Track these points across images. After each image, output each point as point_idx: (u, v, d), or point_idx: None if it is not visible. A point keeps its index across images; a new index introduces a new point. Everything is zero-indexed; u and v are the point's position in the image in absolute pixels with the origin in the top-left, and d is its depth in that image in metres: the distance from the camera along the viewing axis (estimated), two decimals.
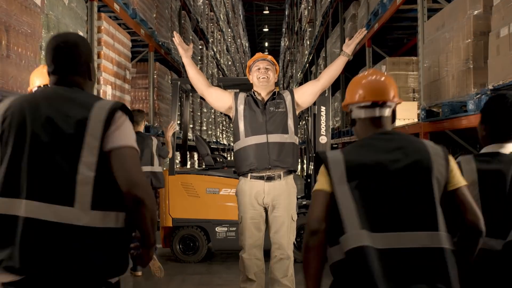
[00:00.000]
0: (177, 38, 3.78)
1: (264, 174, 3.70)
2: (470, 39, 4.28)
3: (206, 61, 13.63)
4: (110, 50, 5.98)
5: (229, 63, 23.30)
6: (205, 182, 5.94)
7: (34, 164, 1.73)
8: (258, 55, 3.95)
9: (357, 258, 1.74)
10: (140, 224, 1.75)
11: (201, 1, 13.70)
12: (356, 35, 3.91)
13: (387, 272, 1.73)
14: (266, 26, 44.87)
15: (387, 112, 2.02)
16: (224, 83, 6.42)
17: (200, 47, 12.95)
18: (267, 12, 40.78)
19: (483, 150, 2.22)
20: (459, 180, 1.90)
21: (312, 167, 6.35)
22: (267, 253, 3.82)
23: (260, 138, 3.70)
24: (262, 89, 3.82)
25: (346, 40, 3.95)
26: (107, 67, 5.82)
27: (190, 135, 10.06)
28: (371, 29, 7.94)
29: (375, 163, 1.84)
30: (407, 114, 6.55)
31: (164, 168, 6.42)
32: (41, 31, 4.04)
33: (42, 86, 2.84)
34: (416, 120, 6.38)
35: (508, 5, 3.71)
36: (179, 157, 8.79)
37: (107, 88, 5.78)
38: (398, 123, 6.51)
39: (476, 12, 4.29)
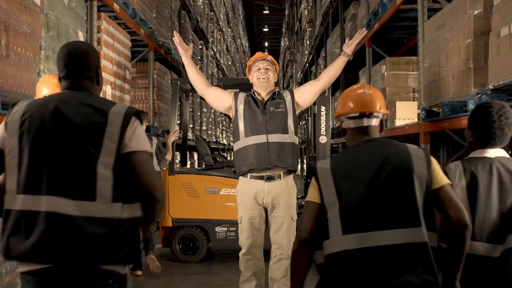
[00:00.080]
0: (177, 38, 3.78)
1: (264, 174, 3.70)
2: (471, 39, 4.28)
3: (206, 61, 13.62)
4: (110, 50, 5.98)
5: (229, 63, 23.29)
6: (205, 182, 5.94)
7: (56, 164, 1.88)
8: (258, 54, 3.94)
9: (333, 263, 1.96)
10: (150, 214, 2.00)
11: (201, 1, 13.69)
12: (356, 35, 3.91)
13: (375, 269, 1.92)
14: (266, 26, 44.87)
15: (374, 122, 2.19)
16: (224, 83, 6.42)
17: (200, 47, 12.94)
18: (267, 12, 40.77)
19: (471, 155, 2.34)
20: (442, 179, 2.03)
21: None
22: (267, 253, 3.81)
23: (260, 138, 3.69)
24: (262, 89, 3.81)
25: (346, 40, 3.95)
26: (107, 66, 5.81)
27: (190, 135, 10.06)
28: (371, 29, 7.93)
29: (356, 168, 2.04)
30: (407, 114, 6.54)
31: (164, 168, 6.42)
32: (41, 31, 4.04)
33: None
34: (416, 120, 6.37)
35: (508, 5, 3.70)
36: (179, 157, 8.78)
37: (107, 88, 5.77)
38: (398, 123, 6.50)
39: (476, 11, 4.29)
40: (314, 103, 5.61)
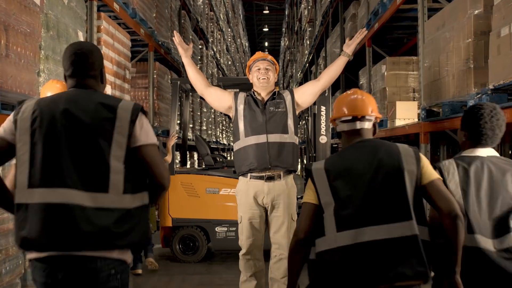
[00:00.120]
0: (177, 38, 3.77)
1: (264, 174, 3.69)
2: (471, 39, 4.27)
3: (206, 61, 13.61)
4: (110, 50, 5.97)
5: (229, 62, 23.28)
6: (205, 182, 5.93)
7: (70, 159, 1.99)
8: (258, 54, 3.93)
9: (329, 260, 2.10)
10: (156, 198, 2.16)
11: (201, 0, 13.69)
12: (357, 35, 3.90)
13: (369, 262, 2.04)
14: (266, 26, 44.85)
15: (366, 125, 2.33)
16: (224, 83, 6.41)
17: (200, 46, 12.94)
18: (267, 12, 40.75)
19: (463, 154, 2.46)
20: (431, 175, 2.17)
21: None
22: (267, 253, 3.81)
23: (260, 138, 3.69)
24: (262, 89, 3.81)
25: (347, 40, 3.94)
26: (106, 66, 5.81)
27: (190, 135, 10.05)
28: (371, 29, 7.93)
29: (349, 168, 2.17)
30: (407, 113, 6.54)
31: None
32: (40, 31, 4.03)
33: None
34: (416, 120, 6.36)
35: (508, 5, 3.70)
36: (179, 157, 8.78)
37: (106, 87, 5.76)
38: (398, 122, 6.50)
39: (476, 11, 4.28)
40: (314, 103, 5.60)
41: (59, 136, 2.01)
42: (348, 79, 10.98)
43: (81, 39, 4.92)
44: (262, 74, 3.78)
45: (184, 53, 3.77)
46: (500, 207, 2.29)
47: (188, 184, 5.93)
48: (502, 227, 2.27)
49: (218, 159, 6.51)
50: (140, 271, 5.41)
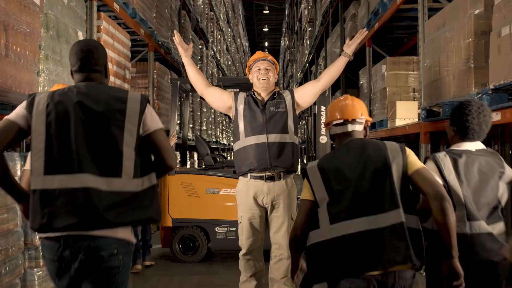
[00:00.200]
0: (177, 37, 3.77)
1: (264, 174, 3.69)
2: (471, 39, 4.27)
3: (206, 61, 13.61)
4: (110, 50, 5.96)
5: (229, 62, 23.27)
6: (205, 182, 5.93)
7: (87, 148, 2.16)
8: (259, 54, 3.92)
9: (324, 250, 2.28)
10: (162, 175, 2.36)
11: (201, 0, 13.68)
12: (357, 35, 3.89)
13: (362, 251, 2.20)
14: (266, 26, 44.83)
15: (357, 127, 2.52)
16: (224, 83, 6.41)
17: (200, 46, 12.93)
18: (267, 11, 40.74)
19: (452, 147, 2.66)
20: (416, 164, 2.33)
21: None
22: (267, 253, 3.80)
23: (260, 138, 3.68)
24: (262, 90, 3.80)
25: (347, 41, 3.93)
26: None
27: (190, 135, 10.04)
28: (371, 29, 7.92)
29: (340, 165, 2.35)
30: (407, 113, 6.53)
31: None
32: (40, 31, 4.03)
33: None
34: (416, 119, 6.36)
35: (509, 5, 3.69)
36: (179, 157, 8.77)
37: None
38: (399, 122, 6.49)
39: (477, 11, 4.28)
40: (314, 103, 5.60)
41: (75, 127, 2.17)
42: (348, 79, 10.96)
43: (81, 38, 4.91)
44: (262, 75, 3.78)
45: (184, 53, 3.76)
46: (491, 197, 2.50)
47: (188, 184, 5.93)
48: (494, 216, 2.50)
49: (218, 159, 6.50)
50: (139, 267, 5.50)
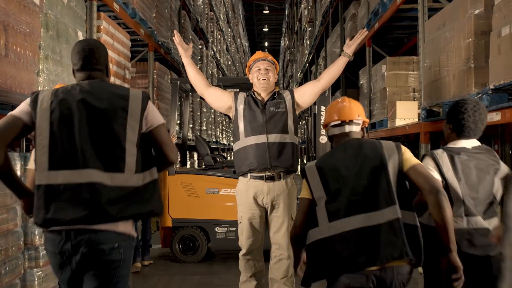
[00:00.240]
0: (177, 37, 3.76)
1: (264, 174, 3.68)
2: (471, 39, 4.27)
3: (206, 61, 13.60)
4: (110, 50, 5.96)
5: (229, 62, 23.26)
6: (204, 182, 5.92)
7: (90, 144, 2.21)
8: (259, 54, 3.92)
9: (323, 248, 2.33)
10: (163, 169, 2.44)
11: (201, 0, 13.68)
12: (357, 35, 3.89)
13: (359, 247, 2.24)
14: (266, 26, 44.83)
15: (354, 128, 2.59)
16: (224, 83, 6.40)
17: (200, 46, 12.93)
18: (267, 11, 40.73)
19: (449, 145, 2.70)
20: (411, 160, 2.39)
21: None
22: (267, 253, 3.80)
23: (260, 138, 3.68)
24: (262, 90, 3.80)
25: (347, 41, 3.92)
26: None
27: (190, 135, 10.04)
28: (371, 29, 7.92)
29: (337, 164, 2.41)
30: (407, 113, 6.53)
31: None
32: (40, 31, 4.02)
33: None
34: (416, 119, 6.36)
35: (509, 5, 3.69)
36: (178, 157, 8.77)
37: None
38: (399, 122, 6.49)
39: (477, 11, 4.28)
40: (314, 103, 5.59)
41: (79, 124, 2.22)
42: (348, 79, 10.96)
43: (81, 39, 4.91)
44: (262, 75, 3.77)
45: (184, 53, 3.76)
46: (487, 193, 2.56)
47: (188, 184, 5.92)
48: (490, 211, 2.57)
49: (218, 159, 6.50)
50: (139, 265, 5.53)
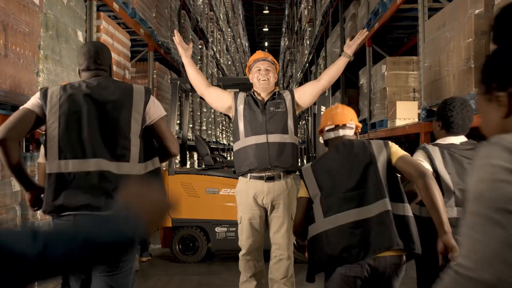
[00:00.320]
0: (177, 37, 3.76)
1: (264, 174, 3.68)
2: (471, 38, 4.26)
3: (206, 61, 13.60)
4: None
5: (229, 62, 23.26)
6: (204, 182, 5.92)
7: (99, 135, 2.38)
8: (259, 54, 3.91)
9: (321, 241, 2.47)
10: (165, 160, 2.66)
11: (201, 0, 13.67)
12: (358, 36, 3.88)
13: (354, 240, 2.37)
14: (266, 26, 44.82)
15: (347, 132, 2.78)
16: (224, 83, 6.40)
17: (200, 46, 12.92)
18: (267, 11, 40.73)
19: (438, 141, 2.81)
20: (398, 153, 2.56)
21: None
22: (267, 253, 3.80)
23: (260, 138, 3.67)
24: (262, 90, 3.80)
25: (347, 41, 3.92)
26: None
27: (189, 135, 10.03)
28: (371, 29, 7.92)
29: (330, 163, 2.60)
30: (407, 113, 6.52)
31: (164, 168, 6.40)
32: (40, 30, 4.02)
33: None
34: (416, 119, 6.35)
35: None
36: (178, 157, 8.77)
37: None
38: (399, 122, 6.48)
39: (477, 11, 4.27)
40: (314, 103, 5.59)
41: (87, 116, 2.39)
42: (348, 79, 10.95)
43: (81, 38, 4.91)
44: (262, 75, 3.77)
45: (184, 52, 3.76)
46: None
47: (188, 184, 5.92)
48: None
49: (218, 159, 6.50)
50: (144, 259, 5.65)
